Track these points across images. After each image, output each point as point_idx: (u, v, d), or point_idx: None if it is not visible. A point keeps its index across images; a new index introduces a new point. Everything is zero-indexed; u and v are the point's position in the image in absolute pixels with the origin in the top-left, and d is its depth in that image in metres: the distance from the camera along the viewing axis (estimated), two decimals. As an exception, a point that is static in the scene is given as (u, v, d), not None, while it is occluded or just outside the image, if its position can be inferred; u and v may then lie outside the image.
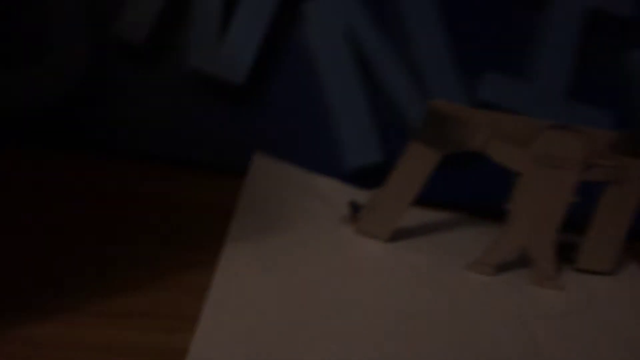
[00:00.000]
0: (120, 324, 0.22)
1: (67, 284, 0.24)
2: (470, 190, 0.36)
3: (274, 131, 0.36)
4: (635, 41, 0.39)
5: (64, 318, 0.22)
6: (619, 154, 0.29)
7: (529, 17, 0.39)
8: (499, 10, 0.39)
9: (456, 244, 0.32)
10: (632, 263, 0.34)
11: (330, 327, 0.24)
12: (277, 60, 0.36)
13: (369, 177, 0.35)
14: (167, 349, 0.21)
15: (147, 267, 0.25)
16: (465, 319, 0.26)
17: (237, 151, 0.34)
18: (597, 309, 0.29)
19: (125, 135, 0.34)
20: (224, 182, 0.33)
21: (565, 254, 0.32)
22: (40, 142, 0.33)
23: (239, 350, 0.21)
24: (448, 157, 0.30)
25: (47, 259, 0.25)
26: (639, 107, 0.39)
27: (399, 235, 0.31)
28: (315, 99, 0.36)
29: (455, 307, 0.27)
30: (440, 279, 0.29)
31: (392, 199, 0.30)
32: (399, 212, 0.30)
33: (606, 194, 0.31)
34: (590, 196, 0.31)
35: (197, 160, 0.34)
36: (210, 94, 0.35)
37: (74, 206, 0.29)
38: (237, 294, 0.24)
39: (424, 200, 0.31)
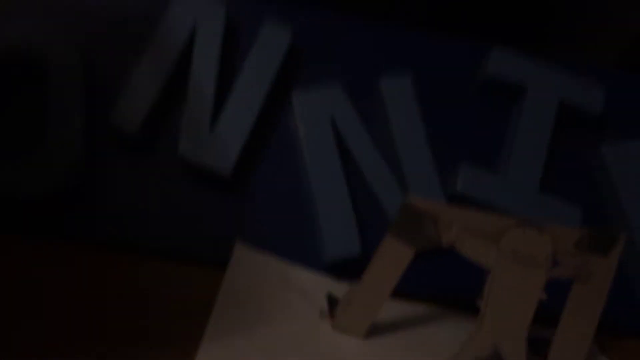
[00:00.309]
0: None
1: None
2: (446, 283, 0.37)
3: (258, 220, 0.37)
4: (604, 136, 0.42)
5: None
6: (585, 252, 0.31)
7: (503, 109, 0.41)
8: (474, 104, 0.41)
9: (432, 339, 0.33)
10: (601, 357, 0.35)
11: None
12: (263, 149, 0.38)
13: (348, 268, 0.36)
14: None
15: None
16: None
17: (220, 241, 0.35)
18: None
19: (112, 226, 0.35)
20: (206, 273, 0.33)
21: (537, 350, 0.33)
22: (27, 231, 0.33)
23: None
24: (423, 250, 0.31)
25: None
26: (607, 202, 0.41)
27: (375, 330, 0.32)
28: (299, 189, 0.37)
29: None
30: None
31: (368, 294, 0.31)
32: (375, 308, 0.31)
33: (573, 291, 0.32)
34: (560, 292, 0.32)
35: (183, 251, 0.35)
36: (197, 183, 0.36)
37: (43, 301, 0.29)
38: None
39: (400, 291, 0.32)
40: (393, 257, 0.30)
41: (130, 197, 0.36)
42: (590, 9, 0.48)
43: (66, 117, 0.35)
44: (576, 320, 0.32)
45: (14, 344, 0.26)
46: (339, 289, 0.34)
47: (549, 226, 0.30)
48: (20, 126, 0.35)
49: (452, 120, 0.41)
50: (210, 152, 0.35)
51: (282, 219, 0.37)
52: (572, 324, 0.32)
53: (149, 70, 0.36)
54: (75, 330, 0.28)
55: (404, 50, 0.41)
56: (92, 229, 0.35)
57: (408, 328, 0.34)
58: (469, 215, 0.30)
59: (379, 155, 0.38)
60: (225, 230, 0.36)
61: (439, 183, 0.38)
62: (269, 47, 0.37)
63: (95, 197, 0.35)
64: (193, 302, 0.31)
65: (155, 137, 0.36)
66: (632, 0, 0.47)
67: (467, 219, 0.30)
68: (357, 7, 0.40)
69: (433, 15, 0.48)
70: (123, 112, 0.35)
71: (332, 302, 0.33)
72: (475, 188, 0.38)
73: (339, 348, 0.30)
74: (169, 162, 0.36)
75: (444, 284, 0.37)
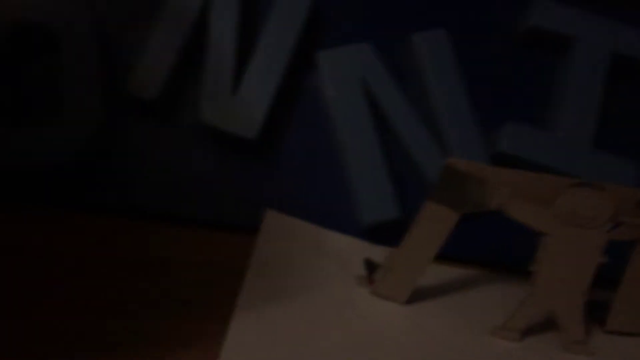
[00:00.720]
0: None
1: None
2: (493, 245, 0.35)
3: (287, 186, 0.35)
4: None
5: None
6: None
7: (551, 63, 0.38)
8: (518, 57, 0.38)
9: (479, 305, 0.31)
10: None
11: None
12: (290, 113, 0.36)
13: (386, 233, 0.34)
14: None
15: (151, 342, 0.24)
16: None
17: (249, 208, 0.33)
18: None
19: (135, 194, 0.34)
20: (235, 240, 0.32)
21: (595, 315, 0.31)
22: (48, 200, 0.32)
23: None
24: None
25: (42, 333, 0.24)
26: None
27: (417, 295, 0.30)
28: (330, 152, 0.35)
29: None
30: (461, 346, 0.27)
31: (409, 259, 0.29)
32: (417, 273, 0.29)
33: (636, 252, 0.29)
34: (620, 253, 0.29)
35: (209, 219, 0.33)
36: (222, 150, 0.35)
37: (72, 272, 0.28)
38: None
39: (444, 255, 0.29)
40: (436, 222, 0.28)
41: (152, 164, 0.34)
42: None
43: (83, 86, 0.33)
44: (638, 283, 0.29)
45: (29, 314, 0.25)
46: (377, 253, 0.32)
47: (608, 186, 0.27)
48: (37, 95, 0.34)
49: (493, 76, 0.38)
50: (233, 115, 0.34)
51: (313, 183, 0.35)
52: (635, 287, 0.30)
53: (166, 34, 0.34)
54: (96, 300, 0.26)
55: (437, 1, 0.38)
56: (115, 198, 0.33)
57: (452, 293, 0.32)
58: (518, 176, 0.28)
59: (415, 114, 0.36)
60: (253, 195, 0.34)
61: (481, 143, 0.36)
62: (291, 5, 0.35)
63: (116, 166, 0.34)
64: (222, 270, 0.29)
65: (175, 103, 0.35)
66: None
67: (516, 180, 0.28)
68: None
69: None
70: (141, 78, 0.34)
71: (371, 267, 0.31)
72: (522, 146, 0.36)
73: (379, 315, 0.29)
74: (192, 128, 0.34)
75: (492, 247, 0.35)
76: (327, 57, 0.36)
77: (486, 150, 0.36)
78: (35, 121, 0.33)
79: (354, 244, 0.33)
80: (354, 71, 0.36)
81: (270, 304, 0.27)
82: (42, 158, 0.33)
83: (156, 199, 0.34)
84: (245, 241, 0.31)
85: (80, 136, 0.33)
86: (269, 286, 0.28)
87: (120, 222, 0.32)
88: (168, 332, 0.25)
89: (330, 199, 0.35)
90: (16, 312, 0.25)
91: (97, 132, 0.33)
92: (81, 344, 0.24)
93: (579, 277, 0.28)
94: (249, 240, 0.31)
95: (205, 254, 0.31)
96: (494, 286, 0.33)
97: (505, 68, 0.38)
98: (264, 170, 0.35)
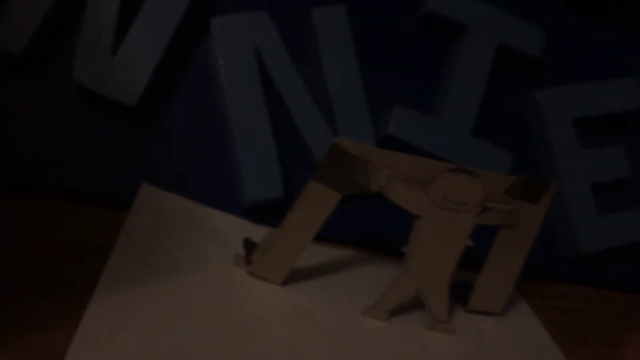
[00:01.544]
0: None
1: None
2: (372, 228, 0.36)
3: (168, 159, 0.33)
4: (539, 81, 0.41)
5: None
6: (516, 198, 0.30)
7: (443, 50, 0.39)
8: (413, 41, 0.39)
9: (354, 285, 0.32)
10: (522, 302, 0.35)
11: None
12: (177, 80, 0.34)
13: (270, 212, 0.33)
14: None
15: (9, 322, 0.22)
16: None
17: (125, 180, 0.32)
18: (485, 354, 0.30)
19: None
20: (108, 216, 0.30)
21: (458, 295, 0.33)
22: None
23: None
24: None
25: None
26: (538, 148, 0.40)
27: (294, 276, 0.30)
28: (217, 125, 0.34)
29: (341, 357, 0.26)
30: (333, 326, 0.28)
31: (289, 239, 0.29)
32: (295, 254, 0.29)
33: (500, 236, 0.31)
34: (485, 238, 0.31)
35: (81, 191, 0.31)
36: (98, 116, 0.32)
37: None
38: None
39: (322, 235, 0.30)
40: (317, 202, 0.28)
41: (19, 128, 0.31)
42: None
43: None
44: (500, 265, 0.32)
45: None
46: (257, 233, 0.32)
47: (480, 172, 0.29)
48: None
49: (387, 58, 0.38)
50: (111, 79, 0.31)
51: (196, 157, 0.34)
52: (496, 270, 0.32)
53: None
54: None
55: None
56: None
57: (328, 273, 0.32)
58: (401, 159, 0.28)
59: (307, 91, 0.35)
60: (130, 168, 0.32)
61: (370, 124, 0.36)
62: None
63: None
64: (92, 246, 0.27)
65: (46, 60, 0.31)
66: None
67: (399, 163, 0.28)
68: None
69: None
70: (6, 29, 0.30)
71: (249, 246, 0.30)
72: (408, 130, 0.36)
73: (254, 295, 0.28)
74: (64, 89, 0.31)
75: (370, 229, 0.36)
76: (220, 23, 0.34)
77: (375, 132, 0.36)
78: None
79: (234, 222, 0.33)
80: (248, 40, 0.35)
81: (136, 284, 0.26)
82: None
83: (21, 166, 0.31)
84: (121, 216, 0.30)
85: None
86: (136, 264, 0.27)
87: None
88: (25, 312, 0.23)
89: (214, 175, 0.34)
90: None
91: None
92: None
93: (447, 259, 0.30)
94: (123, 216, 0.30)
95: (73, 229, 0.29)
96: (369, 267, 0.34)
97: (399, 51, 0.39)
98: (143, 141, 0.33)
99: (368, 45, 0.37)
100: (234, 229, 0.32)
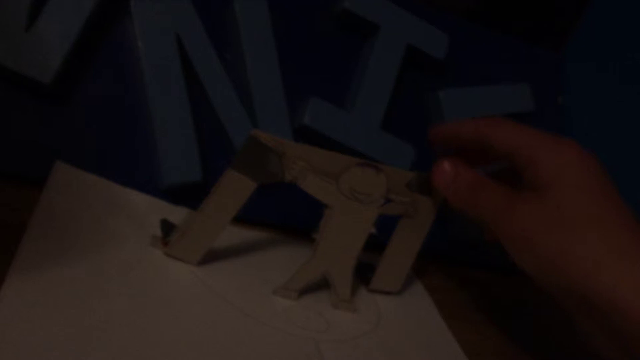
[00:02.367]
0: None
1: None
2: (286, 213, 0.38)
3: (83, 138, 0.33)
4: (443, 81, 0.44)
5: None
6: (414, 191, 0.33)
7: (358, 46, 0.41)
8: (331, 36, 0.41)
9: (266, 267, 0.33)
10: (417, 283, 0.39)
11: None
12: (95, 60, 0.34)
13: (187, 194, 0.34)
14: None
15: None
16: (261, 346, 0.27)
17: (39, 158, 0.31)
18: (383, 330, 0.33)
19: None
20: (19, 193, 0.29)
21: (362, 276, 0.36)
22: None
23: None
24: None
25: None
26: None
27: (209, 257, 0.31)
28: (135, 106, 0.34)
29: (253, 334, 0.28)
30: (245, 305, 0.30)
31: (205, 223, 0.30)
32: (212, 236, 0.30)
33: (400, 224, 0.34)
34: (387, 225, 0.34)
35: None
36: (10, 91, 0.31)
37: None
38: (8, 342, 0.21)
39: (238, 217, 0.31)
40: (234, 189, 0.30)
41: None
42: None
43: None
44: (400, 250, 0.35)
45: None
46: (174, 214, 0.33)
47: (384, 167, 0.31)
48: None
49: (305, 51, 0.40)
50: (24, 54, 0.30)
51: (113, 138, 0.34)
52: (396, 253, 0.35)
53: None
54: None
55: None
56: None
57: (243, 254, 0.34)
58: (314, 152, 0.30)
59: (227, 77, 0.36)
60: (45, 146, 0.32)
61: (287, 113, 0.38)
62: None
63: None
64: (2, 224, 0.27)
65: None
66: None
67: (311, 156, 0.30)
68: None
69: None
70: None
71: (167, 227, 0.31)
72: (322, 122, 0.38)
73: (169, 275, 0.29)
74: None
75: (284, 213, 0.38)
76: (141, 5, 0.34)
77: (291, 122, 0.38)
78: None
79: (151, 203, 0.33)
80: (169, 25, 0.35)
81: (49, 266, 0.25)
82: None
83: None
84: (34, 195, 0.29)
85: None
86: (50, 245, 0.27)
87: None
88: None
89: (131, 156, 0.34)
90: None
91: None
92: None
93: (353, 245, 0.33)
94: (34, 195, 0.29)
95: None
96: (282, 249, 0.36)
97: (316, 45, 0.40)
98: (58, 120, 0.32)
99: (286, 37, 0.39)
100: (151, 209, 0.33)
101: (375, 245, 0.34)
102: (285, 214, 0.38)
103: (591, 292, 0.27)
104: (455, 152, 0.33)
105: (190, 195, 0.34)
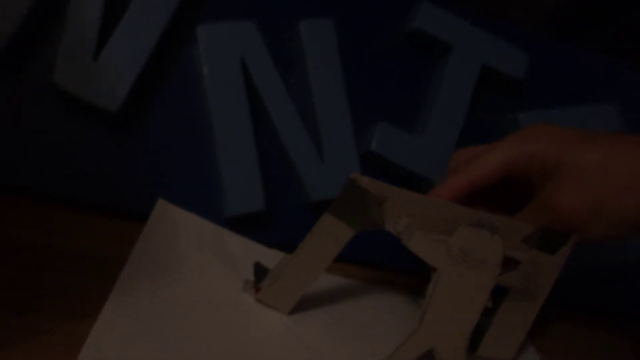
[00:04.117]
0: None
1: None
2: (378, 248, 0.35)
3: (147, 166, 0.32)
4: (522, 102, 0.41)
5: None
6: (533, 247, 0.29)
7: (428, 67, 0.39)
8: (399, 58, 0.39)
9: (361, 318, 0.31)
10: (530, 347, 0.34)
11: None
12: (160, 87, 0.33)
13: (249, 224, 0.33)
14: None
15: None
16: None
17: (103, 186, 0.31)
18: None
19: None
20: (87, 220, 0.29)
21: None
22: None
23: None
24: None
25: None
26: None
27: (302, 304, 0.29)
28: (199, 133, 0.33)
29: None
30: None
31: (298, 270, 0.28)
32: (305, 284, 0.29)
33: (512, 293, 0.30)
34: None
35: (59, 195, 0.30)
36: (78, 120, 0.31)
37: None
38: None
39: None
40: (330, 235, 0.28)
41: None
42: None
43: None
44: (515, 311, 0.31)
45: None
46: (267, 256, 0.31)
47: (500, 222, 0.28)
48: None
49: (373, 73, 0.38)
50: (92, 83, 0.30)
51: (177, 166, 0.33)
52: (509, 318, 0.31)
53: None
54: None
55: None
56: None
57: (336, 303, 0.31)
58: (418, 199, 0.27)
59: (292, 103, 0.35)
60: (110, 173, 0.31)
61: (353, 139, 0.36)
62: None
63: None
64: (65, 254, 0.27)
65: (27, 62, 0.30)
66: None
67: (416, 203, 0.27)
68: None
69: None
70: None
71: (260, 272, 0.30)
72: (390, 147, 0.36)
73: (259, 322, 0.28)
74: (45, 92, 0.30)
75: (379, 253, 0.35)
76: (207, 31, 0.34)
77: (358, 148, 0.36)
78: None
79: (246, 245, 0.32)
80: (234, 50, 0.34)
81: (143, 303, 0.25)
82: None
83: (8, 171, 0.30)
84: (106, 223, 0.29)
85: None
86: (145, 283, 0.26)
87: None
88: (20, 329, 0.23)
89: (195, 184, 0.33)
90: None
91: None
92: None
93: (465, 317, 0.28)
94: (109, 223, 0.29)
95: (66, 240, 0.28)
96: (377, 299, 0.33)
97: (384, 67, 0.39)
98: (124, 147, 0.32)
99: (353, 59, 0.37)
100: (246, 251, 0.32)
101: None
102: (381, 253, 0.35)
103: None
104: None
105: (252, 224, 0.33)
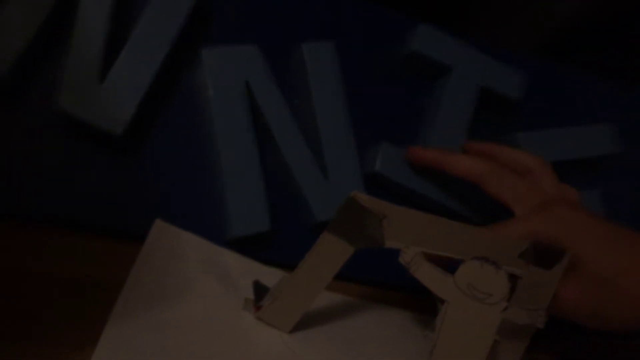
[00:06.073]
0: None
1: None
2: (378, 265, 0.34)
3: (152, 189, 0.32)
4: (520, 123, 0.42)
5: None
6: (529, 263, 0.29)
7: (427, 89, 0.40)
8: (399, 79, 0.39)
9: (361, 338, 0.31)
10: None
11: None
12: (165, 110, 0.33)
13: (253, 245, 0.33)
14: None
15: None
16: None
17: (107, 208, 0.30)
18: None
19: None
20: (92, 244, 0.29)
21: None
22: None
23: None
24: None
25: None
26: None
27: (302, 323, 0.29)
28: (203, 155, 0.33)
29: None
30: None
31: (298, 288, 0.28)
32: (305, 303, 0.29)
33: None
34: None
35: (62, 219, 0.30)
36: (82, 144, 0.31)
37: None
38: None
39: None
40: (330, 253, 0.28)
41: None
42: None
43: None
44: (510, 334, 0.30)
45: None
46: (267, 275, 0.31)
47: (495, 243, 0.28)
48: None
49: (374, 94, 0.39)
50: (97, 106, 0.30)
51: (181, 187, 0.33)
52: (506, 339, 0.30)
53: (22, 6, 0.29)
54: None
55: (328, 16, 0.38)
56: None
57: (335, 322, 0.31)
58: (418, 217, 0.27)
59: (296, 124, 0.35)
60: (114, 197, 0.31)
61: (357, 160, 0.36)
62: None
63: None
64: (70, 276, 0.26)
65: (31, 85, 0.30)
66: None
67: (416, 222, 0.27)
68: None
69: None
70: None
71: (260, 290, 0.30)
72: (394, 168, 0.37)
73: (259, 342, 0.28)
74: (49, 116, 0.30)
75: (379, 270, 0.35)
76: (211, 54, 0.34)
77: (361, 169, 0.36)
78: None
79: (245, 264, 0.32)
80: (238, 73, 0.34)
81: (142, 325, 0.25)
82: None
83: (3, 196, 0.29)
84: (106, 246, 0.29)
85: None
86: (143, 306, 0.26)
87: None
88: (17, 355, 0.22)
89: (198, 206, 0.33)
90: None
91: None
92: None
93: (474, 352, 0.28)
94: (110, 246, 0.29)
95: (50, 260, 0.28)
96: (377, 317, 0.33)
97: (385, 89, 0.39)
98: (128, 170, 0.32)
99: (355, 81, 0.37)
100: (245, 270, 0.31)
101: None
102: (382, 271, 0.35)
103: None
104: None
105: (257, 245, 0.33)
